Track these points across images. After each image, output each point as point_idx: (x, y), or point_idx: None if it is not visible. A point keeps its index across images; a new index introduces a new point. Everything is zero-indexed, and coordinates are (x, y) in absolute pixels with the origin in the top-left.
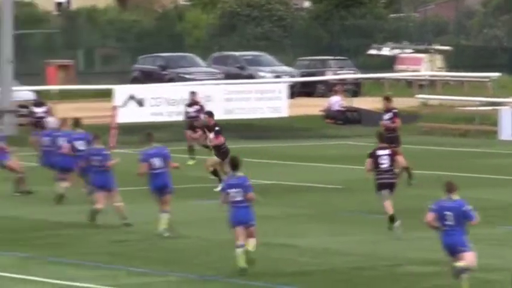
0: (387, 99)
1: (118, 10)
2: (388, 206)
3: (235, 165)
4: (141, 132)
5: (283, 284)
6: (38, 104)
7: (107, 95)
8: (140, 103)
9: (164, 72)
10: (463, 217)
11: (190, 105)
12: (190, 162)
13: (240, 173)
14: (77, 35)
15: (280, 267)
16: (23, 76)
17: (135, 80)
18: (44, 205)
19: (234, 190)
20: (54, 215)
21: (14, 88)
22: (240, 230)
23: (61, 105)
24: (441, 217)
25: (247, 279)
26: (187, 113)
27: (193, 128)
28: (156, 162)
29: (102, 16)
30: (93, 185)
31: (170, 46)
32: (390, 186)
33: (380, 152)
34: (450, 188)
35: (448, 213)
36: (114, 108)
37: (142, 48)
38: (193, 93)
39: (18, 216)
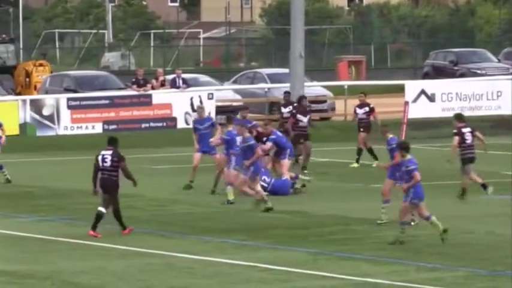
0: None
1: (410, 6)
2: (477, 177)
3: None
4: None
5: None
6: (285, 104)
7: (397, 90)
8: (431, 98)
9: (456, 68)
10: None
11: (360, 106)
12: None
13: None
14: (369, 30)
15: None
16: (313, 71)
17: (427, 75)
18: (332, 200)
19: None
20: (342, 211)
21: (305, 84)
22: None
23: (350, 101)
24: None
25: None
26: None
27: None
28: None
29: (394, 12)
30: None
31: (462, 41)
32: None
33: (464, 130)
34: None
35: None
36: (406, 103)
37: (434, 43)
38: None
39: (308, 211)
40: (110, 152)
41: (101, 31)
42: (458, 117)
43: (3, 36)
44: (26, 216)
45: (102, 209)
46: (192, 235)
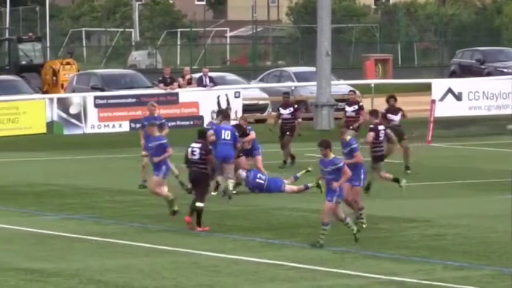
0: None
1: (437, 4)
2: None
3: None
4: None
5: None
6: (284, 105)
7: (424, 89)
8: (458, 97)
9: (482, 67)
10: None
11: (350, 104)
12: None
13: None
14: (396, 29)
15: None
16: (340, 70)
17: (453, 74)
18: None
19: None
20: (367, 209)
21: (332, 82)
22: None
23: (377, 100)
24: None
25: None
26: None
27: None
28: None
29: (420, 10)
30: None
31: (488, 40)
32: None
33: (380, 127)
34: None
35: None
36: (432, 102)
37: (460, 42)
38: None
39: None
40: (199, 145)
41: (127, 30)
42: (375, 113)
43: (30, 34)
44: (53, 214)
45: (199, 204)
46: (218, 233)
